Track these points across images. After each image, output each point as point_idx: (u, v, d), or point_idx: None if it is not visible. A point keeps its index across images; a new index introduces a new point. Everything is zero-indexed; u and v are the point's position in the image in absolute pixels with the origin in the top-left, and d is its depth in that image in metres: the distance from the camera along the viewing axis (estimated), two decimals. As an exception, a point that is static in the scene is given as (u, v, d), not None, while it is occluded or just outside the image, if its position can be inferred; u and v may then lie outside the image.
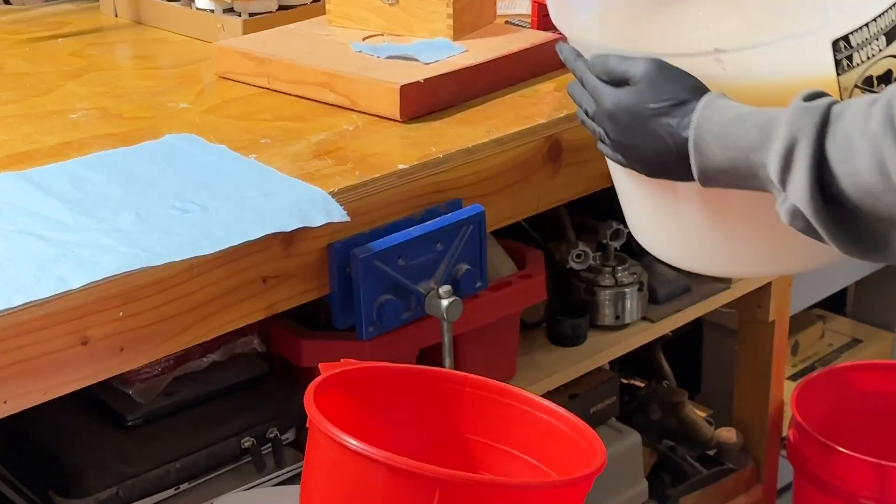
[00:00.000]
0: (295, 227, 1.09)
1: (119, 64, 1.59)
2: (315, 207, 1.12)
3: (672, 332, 1.70)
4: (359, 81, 1.35)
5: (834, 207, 0.76)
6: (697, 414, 1.84)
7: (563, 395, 1.62)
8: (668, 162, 0.93)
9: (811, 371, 2.14)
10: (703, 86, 0.92)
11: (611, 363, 1.71)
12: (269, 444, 1.29)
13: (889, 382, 1.92)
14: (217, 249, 1.05)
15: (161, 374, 1.26)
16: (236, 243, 1.06)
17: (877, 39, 0.92)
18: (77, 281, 0.97)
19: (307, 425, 0.91)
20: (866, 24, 0.91)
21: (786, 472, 1.95)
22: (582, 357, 1.56)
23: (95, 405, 1.27)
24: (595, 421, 1.66)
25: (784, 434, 1.90)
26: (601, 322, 1.60)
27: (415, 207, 1.22)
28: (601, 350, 1.58)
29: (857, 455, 1.73)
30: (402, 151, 1.25)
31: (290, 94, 1.41)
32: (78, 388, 1.00)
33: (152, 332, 1.04)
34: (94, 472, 1.20)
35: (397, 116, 1.32)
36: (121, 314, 1.01)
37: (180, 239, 1.04)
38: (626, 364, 1.80)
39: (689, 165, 0.90)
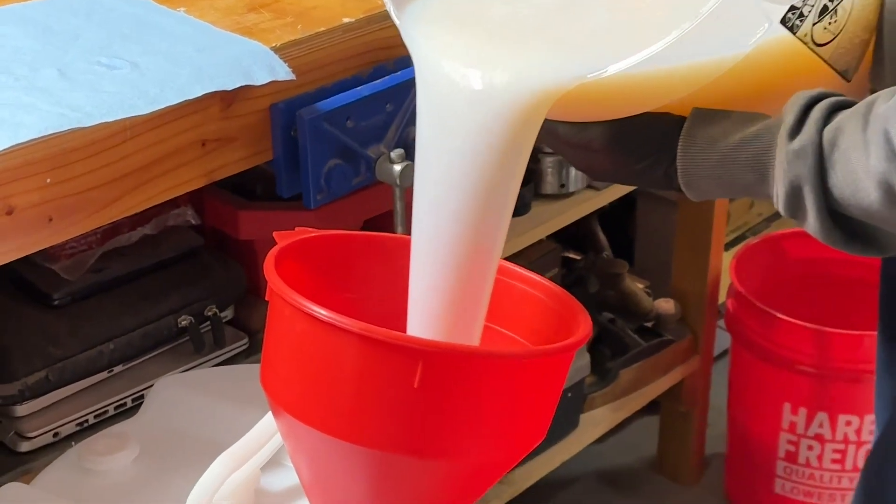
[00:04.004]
0: (237, 86, 1.00)
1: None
2: (257, 64, 1.03)
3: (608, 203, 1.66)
4: (293, -71, 1.24)
5: (846, 222, 0.78)
6: (636, 285, 1.81)
7: (506, 267, 1.57)
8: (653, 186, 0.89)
9: (742, 240, 2.11)
10: (668, 129, 0.83)
11: (547, 235, 1.66)
12: (208, 323, 1.21)
13: (824, 249, 1.90)
14: (153, 109, 0.95)
15: (88, 250, 1.16)
16: (173, 102, 0.96)
17: None
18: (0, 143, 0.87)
19: (267, 297, 0.83)
20: None
21: (721, 342, 1.94)
22: (527, 227, 1.51)
23: (18, 283, 1.17)
24: (537, 294, 1.61)
25: (721, 303, 1.87)
26: (545, 191, 1.55)
27: (361, 65, 1.13)
28: (547, 220, 1.52)
29: (796, 321, 1.72)
30: (345, 4, 1.16)
31: (214, -55, 1.29)
32: (4, 262, 0.91)
33: (84, 200, 0.94)
34: (20, 354, 1.11)
35: (336, -33, 1.22)
36: (48, 181, 0.91)
37: (111, 98, 0.94)
38: (561, 236, 1.74)
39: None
